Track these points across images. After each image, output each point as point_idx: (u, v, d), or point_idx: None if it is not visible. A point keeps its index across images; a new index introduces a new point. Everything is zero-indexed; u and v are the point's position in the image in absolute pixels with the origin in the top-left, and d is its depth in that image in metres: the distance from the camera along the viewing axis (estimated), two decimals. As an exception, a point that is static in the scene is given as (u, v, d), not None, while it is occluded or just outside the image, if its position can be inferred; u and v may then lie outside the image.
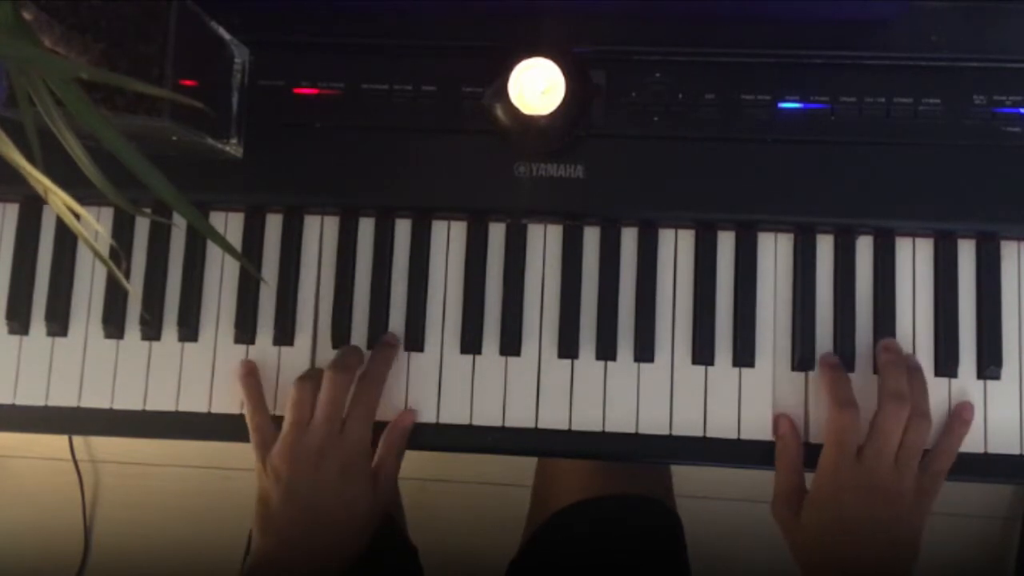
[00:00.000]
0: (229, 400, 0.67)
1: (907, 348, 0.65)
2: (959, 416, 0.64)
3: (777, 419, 0.65)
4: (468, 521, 1.26)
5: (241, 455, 1.34)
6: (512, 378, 0.67)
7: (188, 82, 0.58)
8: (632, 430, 0.66)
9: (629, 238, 0.67)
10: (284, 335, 0.67)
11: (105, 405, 0.68)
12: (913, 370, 0.64)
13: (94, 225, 0.52)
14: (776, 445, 0.64)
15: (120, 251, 0.68)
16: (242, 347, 0.68)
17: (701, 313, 0.66)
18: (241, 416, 0.66)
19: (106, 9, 0.55)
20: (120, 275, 0.51)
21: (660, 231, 0.67)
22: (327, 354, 0.67)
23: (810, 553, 0.62)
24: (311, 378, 0.65)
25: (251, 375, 0.66)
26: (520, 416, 0.66)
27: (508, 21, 0.65)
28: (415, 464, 1.21)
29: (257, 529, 0.64)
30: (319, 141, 0.67)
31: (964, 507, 1.32)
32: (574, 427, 0.66)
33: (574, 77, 0.60)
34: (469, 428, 0.66)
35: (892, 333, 0.65)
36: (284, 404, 0.66)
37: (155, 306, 0.68)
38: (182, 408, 0.67)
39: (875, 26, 0.65)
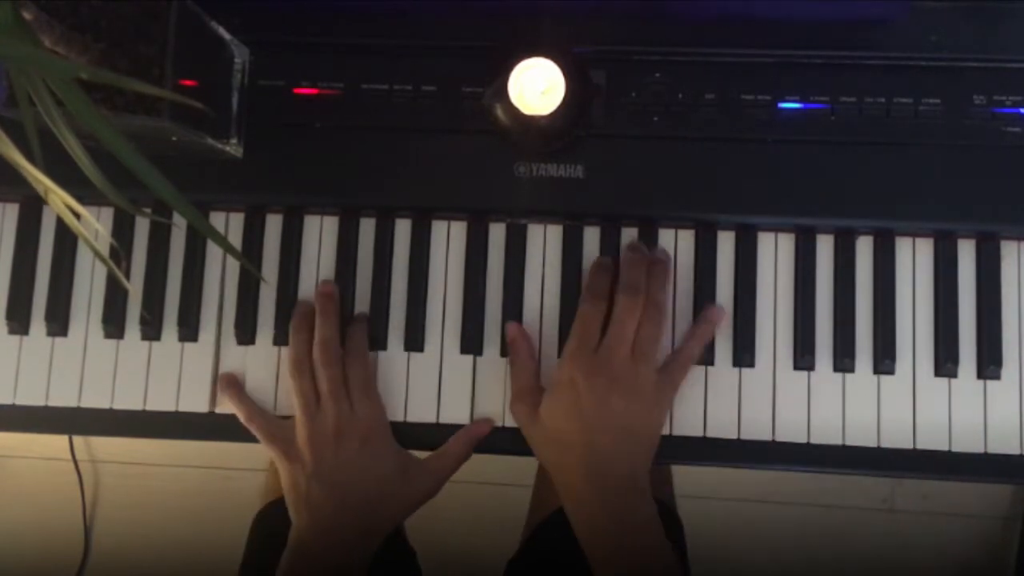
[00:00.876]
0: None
1: (907, 348, 0.65)
2: (706, 316, 0.65)
3: (508, 327, 0.66)
4: (468, 521, 1.27)
5: (241, 455, 1.34)
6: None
7: (188, 82, 0.58)
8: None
9: (629, 238, 0.67)
10: (284, 335, 0.67)
11: (105, 405, 0.68)
12: (655, 262, 0.65)
13: (94, 225, 0.52)
14: (510, 350, 0.65)
15: (120, 251, 0.68)
16: (242, 347, 0.68)
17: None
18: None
19: (106, 9, 0.55)
20: (120, 275, 0.51)
21: (660, 231, 0.67)
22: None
23: (548, 445, 0.63)
24: (305, 364, 0.65)
25: (231, 386, 0.67)
26: (520, 416, 0.66)
27: (508, 21, 0.65)
28: (415, 464, 1.21)
29: (292, 512, 0.65)
30: (319, 141, 0.67)
31: (964, 507, 1.32)
32: (574, 427, 0.66)
33: (574, 77, 0.60)
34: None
35: (892, 333, 0.65)
36: (285, 404, 0.67)
37: (155, 306, 0.68)
38: (182, 408, 0.67)
39: (875, 26, 0.65)
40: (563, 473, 0.62)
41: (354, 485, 0.63)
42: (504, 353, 0.67)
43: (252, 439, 0.66)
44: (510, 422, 0.66)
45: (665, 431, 0.65)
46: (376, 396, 0.65)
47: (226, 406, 0.67)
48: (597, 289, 0.64)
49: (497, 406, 0.66)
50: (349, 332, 0.67)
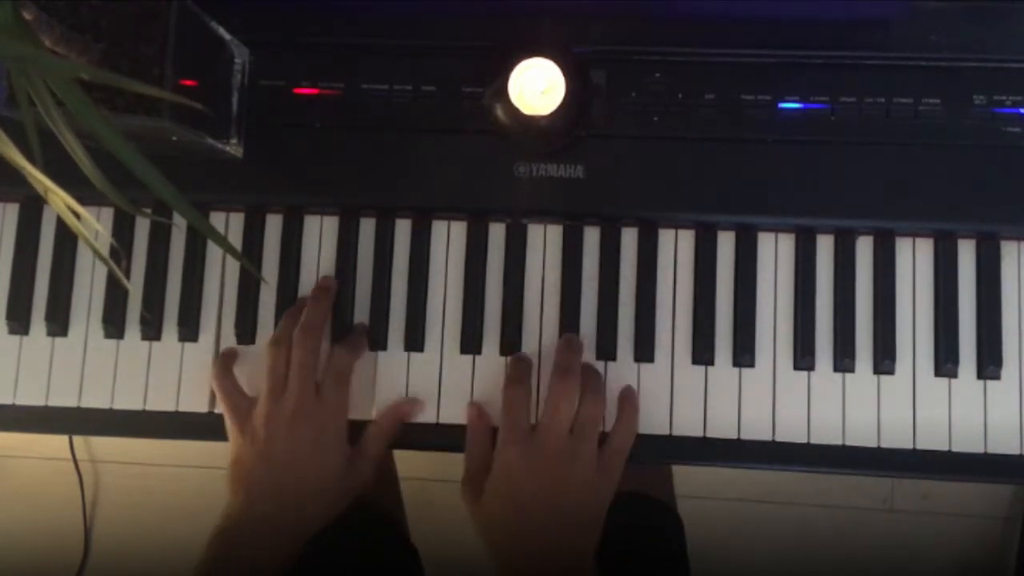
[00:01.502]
0: (229, 400, 0.67)
1: (907, 348, 0.65)
2: (626, 397, 0.65)
3: (468, 407, 0.65)
4: (468, 521, 1.26)
5: (241, 455, 1.33)
6: (512, 378, 0.67)
7: (188, 82, 0.58)
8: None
9: (629, 238, 0.68)
10: (284, 335, 0.67)
11: (105, 405, 0.68)
12: (588, 365, 0.65)
13: (94, 225, 0.52)
14: (467, 431, 0.65)
15: (120, 251, 0.68)
16: (242, 347, 0.68)
17: (701, 313, 0.66)
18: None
19: (106, 9, 0.55)
20: (120, 274, 0.51)
21: (660, 231, 0.67)
22: (325, 352, 0.67)
23: (490, 532, 0.62)
24: (284, 342, 0.64)
25: (227, 356, 0.67)
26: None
27: (508, 21, 0.65)
28: (415, 464, 1.22)
29: (229, 489, 0.64)
30: (319, 141, 0.67)
31: (964, 507, 1.32)
32: (574, 427, 0.66)
33: (574, 77, 0.60)
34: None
35: (892, 333, 0.65)
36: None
37: (155, 306, 0.68)
38: (182, 408, 0.68)
39: (875, 26, 0.65)
40: (501, 557, 0.62)
41: (298, 474, 0.63)
42: (504, 352, 0.67)
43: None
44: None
45: (665, 431, 0.65)
46: (345, 391, 0.65)
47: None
48: (518, 374, 0.65)
49: (497, 406, 0.66)
50: (352, 329, 0.67)
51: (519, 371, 0.65)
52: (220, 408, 0.66)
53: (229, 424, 0.65)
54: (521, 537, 0.61)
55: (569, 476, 0.61)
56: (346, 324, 0.67)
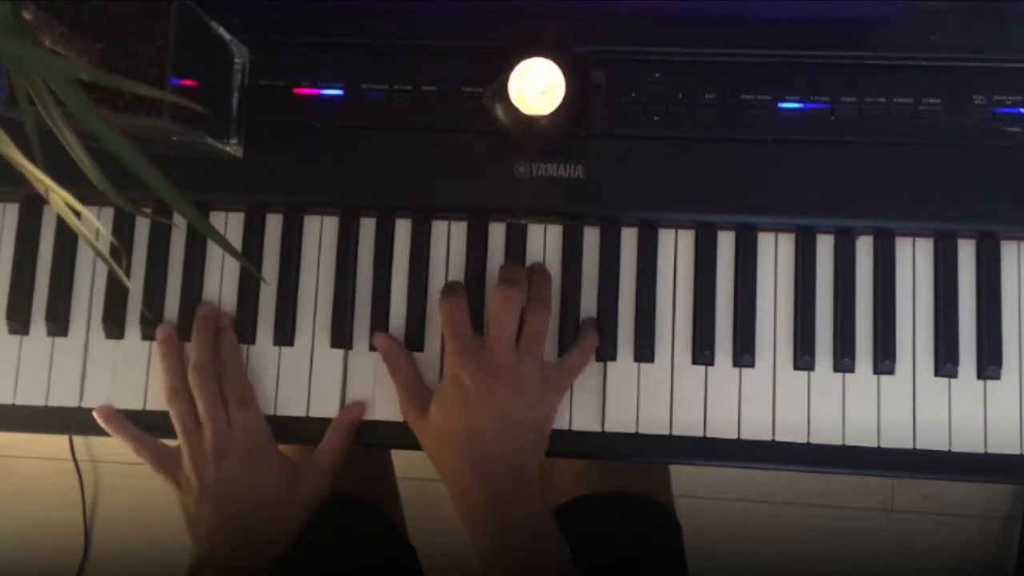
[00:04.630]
0: (229, 400, 0.67)
1: (907, 348, 0.65)
2: (588, 329, 0.66)
3: (374, 338, 0.66)
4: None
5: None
6: (512, 378, 0.67)
7: (188, 82, 0.58)
8: (632, 430, 0.66)
9: (629, 238, 0.68)
10: (284, 335, 0.67)
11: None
12: (538, 267, 0.66)
13: (94, 224, 0.52)
14: (385, 361, 0.66)
15: (120, 251, 0.68)
16: (242, 347, 0.68)
17: (701, 313, 0.66)
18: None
19: (106, 9, 0.55)
20: (120, 272, 0.51)
21: (660, 231, 0.67)
22: (327, 354, 0.67)
23: (436, 442, 0.63)
24: (176, 391, 0.65)
25: (110, 419, 0.66)
26: (520, 416, 0.66)
27: (508, 21, 0.65)
28: (415, 464, 1.21)
29: (191, 538, 0.66)
30: (319, 141, 0.67)
31: (964, 507, 1.32)
32: (574, 427, 0.66)
33: (574, 77, 0.60)
34: (469, 428, 0.66)
35: (892, 333, 0.65)
36: (285, 404, 0.67)
37: (155, 306, 0.68)
38: (182, 408, 0.67)
39: (875, 26, 0.65)
40: (449, 469, 0.62)
41: (240, 502, 0.64)
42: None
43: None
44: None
45: (665, 431, 0.65)
46: (254, 407, 0.65)
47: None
48: (451, 287, 0.66)
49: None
50: (220, 345, 0.67)
51: (451, 287, 0.66)
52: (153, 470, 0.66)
53: (165, 482, 0.66)
54: (468, 442, 0.61)
55: (514, 386, 0.61)
56: (346, 325, 0.67)
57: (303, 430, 0.66)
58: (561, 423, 0.66)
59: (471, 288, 0.67)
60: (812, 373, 0.66)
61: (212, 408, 0.64)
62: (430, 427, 0.63)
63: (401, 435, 0.66)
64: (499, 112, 0.63)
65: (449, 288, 0.65)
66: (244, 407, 0.65)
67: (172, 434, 0.67)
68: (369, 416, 0.67)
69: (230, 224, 0.69)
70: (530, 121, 0.61)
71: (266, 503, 0.65)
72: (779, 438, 0.65)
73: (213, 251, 0.69)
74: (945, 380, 0.65)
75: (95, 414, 0.66)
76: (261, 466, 0.65)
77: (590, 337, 0.65)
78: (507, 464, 0.61)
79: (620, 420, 0.66)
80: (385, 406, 0.67)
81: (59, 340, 0.68)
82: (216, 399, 0.64)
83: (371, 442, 0.67)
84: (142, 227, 0.69)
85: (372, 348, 0.67)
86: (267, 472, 0.65)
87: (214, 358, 0.66)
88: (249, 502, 0.64)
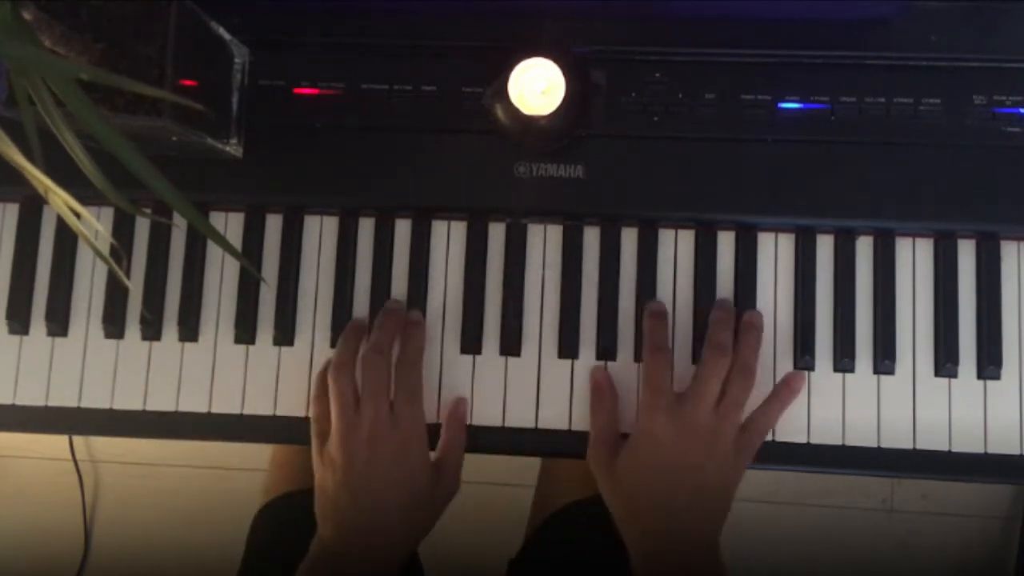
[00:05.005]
0: (229, 400, 0.67)
1: (907, 348, 0.65)
2: (788, 383, 0.64)
3: (593, 372, 0.65)
4: (469, 520, 1.26)
5: (241, 455, 1.34)
6: (512, 378, 0.67)
7: (188, 82, 0.58)
8: (632, 430, 0.66)
9: (629, 238, 0.68)
10: (284, 335, 0.67)
11: (105, 405, 0.68)
12: (748, 327, 0.64)
13: (94, 224, 0.52)
14: (592, 396, 0.65)
15: (120, 251, 0.68)
16: (242, 347, 0.68)
17: (701, 313, 0.66)
18: (239, 416, 0.67)
19: (106, 9, 0.55)
20: (121, 273, 0.51)
21: (660, 231, 0.67)
22: (327, 354, 0.67)
23: (623, 495, 0.62)
24: (348, 365, 0.64)
25: (323, 374, 0.65)
26: (520, 416, 0.66)
27: (508, 21, 0.65)
28: (415, 464, 1.21)
29: (319, 518, 0.64)
30: (319, 141, 0.67)
31: (964, 507, 1.32)
32: (574, 427, 0.66)
33: (574, 77, 0.60)
34: (469, 428, 0.66)
35: (892, 333, 0.65)
36: (285, 404, 0.67)
37: (155, 306, 0.68)
38: (182, 408, 0.67)
39: (875, 26, 0.65)
40: (635, 525, 0.61)
41: (386, 495, 0.62)
42: (504, 352, 0.67)
43: (251, 439, 0.66)
44: (513, 422, 0.66)
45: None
46: (419, 405, 0.64)
47: (230, 400, 0.67)
48: (658, 340, 0.64)
49: (497, 406, 0.66)
50: (405, 337, 0.66)
51: (659, 336, 0.64)
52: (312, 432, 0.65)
53: (313, 450, 0.65)
54: (654, 501, 0.60)
55: (711, 451, 0.61)
56: (346, 324, 0.67)
57: (304, 430, 0.66)
58: (563, 424, 0.66)
59: (472, 288, 0.67)
60: (812, 373, 0.66)
61: (376, 392, 0.62)
62: (617, 477, 0.62)
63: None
64: (499, 112, 0.63)
65: (658, 344, 0.64)
66: (411, 402, 0.63)
67: (169, 434, 0.68)
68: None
69: (230, 224, 0.69)
70: (530, 121, 0.61)
71: (411, 500, 0.63)
72: (779, 438, 0.65)
73: (213, 251, 0.69)
74: (945, 380, 0.65)
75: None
76: (413, 462, 0.63)
77: (782, 397, 0.64)
78: (698, 535, 0.60)
79: (621, 420, 0.66)
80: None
81: (59, 340, 0.69)
82: (382, 385, 0.63)
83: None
84: (142, 227, 0.69)
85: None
86: (417, 469, 0.63)
87: (391, 347, 0.65)
88: (395, 496, 0.62)
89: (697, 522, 0.61)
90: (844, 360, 0.65)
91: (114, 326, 0.68)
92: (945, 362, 0.65)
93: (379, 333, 0.65)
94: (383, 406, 0.62)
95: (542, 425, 0.66)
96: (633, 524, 0.62)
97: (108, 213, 0.69)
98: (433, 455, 0.65)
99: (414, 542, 0.65)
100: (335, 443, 0.62)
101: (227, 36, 0.64)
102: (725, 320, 0.64)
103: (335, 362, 0.64)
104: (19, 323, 0.68)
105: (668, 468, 0.60)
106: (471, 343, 0.67)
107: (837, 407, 0.65)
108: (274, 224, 0.69)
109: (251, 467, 1.32)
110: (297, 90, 0.67)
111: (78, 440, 1.37)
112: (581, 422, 0.66)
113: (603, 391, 0.65)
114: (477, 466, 0.66)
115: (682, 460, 0.60)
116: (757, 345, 0.64)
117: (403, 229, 0.68)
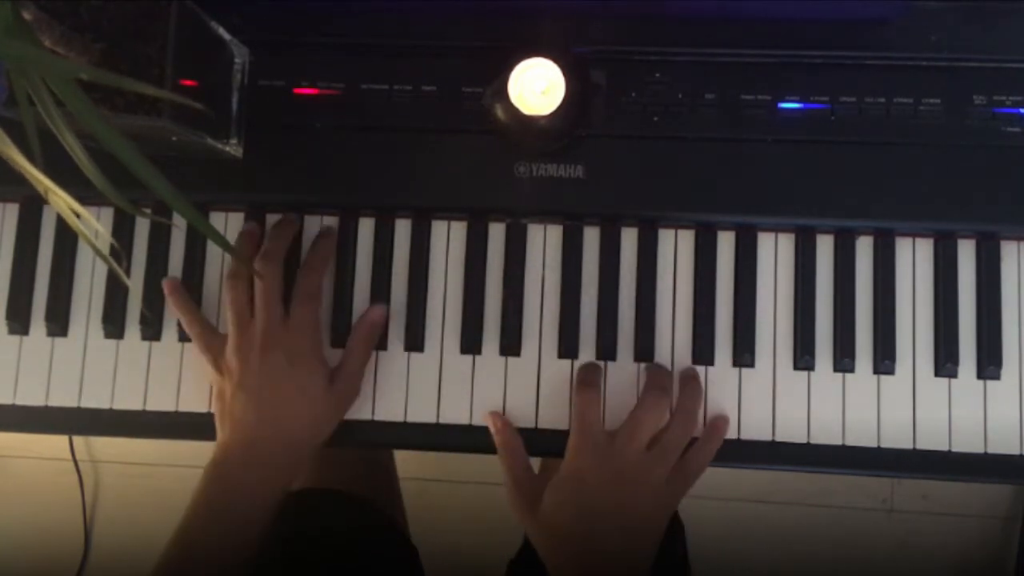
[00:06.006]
0: (229, 400, 0.67)
1: (907, 348, 0.65)
2: (714, 426, 0.64)
3: (488, 417, 0.65)
4: (468, 521, 1.26)
5: (241, 455, 1.33)
6: (512, 378, 0.67)
7: (188, 82, 0.58)
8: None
9: (629, 238, 0.68)
10: (284, 335, 0.67)
11: (105, 405, 0.68)
12: (688, 378, 0.65)
13: (94, 225, 0.52)
14: (496, 441, 0.64)
15: (120, 251, 0.68)
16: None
17: (701, 313, 0.66)
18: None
19: (106, 9, 0.55)
20: (121, 272, 0.51)
21: (660, 231, 0.67)
22: (327, 354, 0.67)
23: (549, 539, 0.61)
24: (241, 274, 0.65)
25: (176, 291, 0.66)
26: (520, 416, 0.66)
27: (508, 21, 0.65)
28: (415, 464, 1.21)
29: (217, 426, 0.64)
30: (319, 141, 0.67)
31: (964, 507, 1.32)
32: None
33: (574, 77, 0.60)
34: (469, 428, 0.66)
35: (892, 333, 0.65)
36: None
37: (155, 306, 0.68)
38: (182, 408, 0.68)
39: (875, 26, 0.65)
40: (564, 566, 0.61)
41: (278, 396, 0.62)
42: (504, 352, 0.67)
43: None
44: (513, 423, 0.66)
45: (665, 431, 0.65)
46: (316, 304, 0.64)
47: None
48: (587, 376, 0.64)
49: (497, 406, 0.66)
50: (315, 242, 0.67)
51: (590, 374, 0.64)
52: (194, 346, 0.66)
53: (208, 363, 0.65)
54: (583, 546, 0.60)
55: (640, 491, 0.60)
56: (345, 324, 0.67)
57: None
58: (562, 424, 0.66)
59: (472, 288, 0.67)
60: (812, 373, 0.66)
61: (269, 297, 0.63)
62: (541, 520, 0.61)
63: (402, 435, 0.67)
64: (499, 112, 0.63)
65: (587, 380, 0.64)
66: (306, 301, 0.64)
67: (170, 434, 0.68)
68: (370, 416, 0.67)
69: (230, 224, 0.69)
70: (530, 121, 0.61)
71: (307, 401, 0.63)
72: (779, 438, 0.65)
73: (213, 251, 0.69)
74: (945, 380, 0.65)
75: (164, 284, 0.66)
76: (307, 364, 0.63)
77: (718, 435, 0.64)
78: (625, 569, 0.60)
79: (620, 420, 0.66)
80: (386, 406, 0.67)
81: (59, 340, 0.69)
82: (276, 291, 0.63)
83: (372, 442, 0.67)
84: (142, 227, 0.69)
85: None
86: (312, 370, 0.63)
87: (283, 253, 0.65)
88: (289, 398, 0.62)
89: (627, 560, 0.60)
90: (844, 360, 0.65)
91: (114, 326, 0.68)
92: (945, 362, 0.65)
93: (271, 243, 0.65)
94: (275, 311, 0.63)
95: (542, 425, 0.66)
96: (561, 564, 0.61)
97: (108, 213, 0.69)
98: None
99: (311, 442, 0.65)
100: (230, 349, 0.63)
101: (227, 36, 0.64)
102: (664, 370, 0.65)
103: (229, 273, 0.65)
104: (19, 323, 0.68)
105: (593, 509, 0.60)
106: (471, 343, 0.67)
107: (837, 407, 0.65)
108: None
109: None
110: (297, 90, 0.67)
111: (78, 440, 1.37)
112: (581, 422, 0.66)
113: (507, 435, 0.64)
114: (477, 466, 0.66)
115: (608, 500, 0.60)
116: (699, 396, 0.64)
117: (403, 229, 0.68)
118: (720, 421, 0.65)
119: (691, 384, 0.64)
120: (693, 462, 0.63)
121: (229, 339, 0.63)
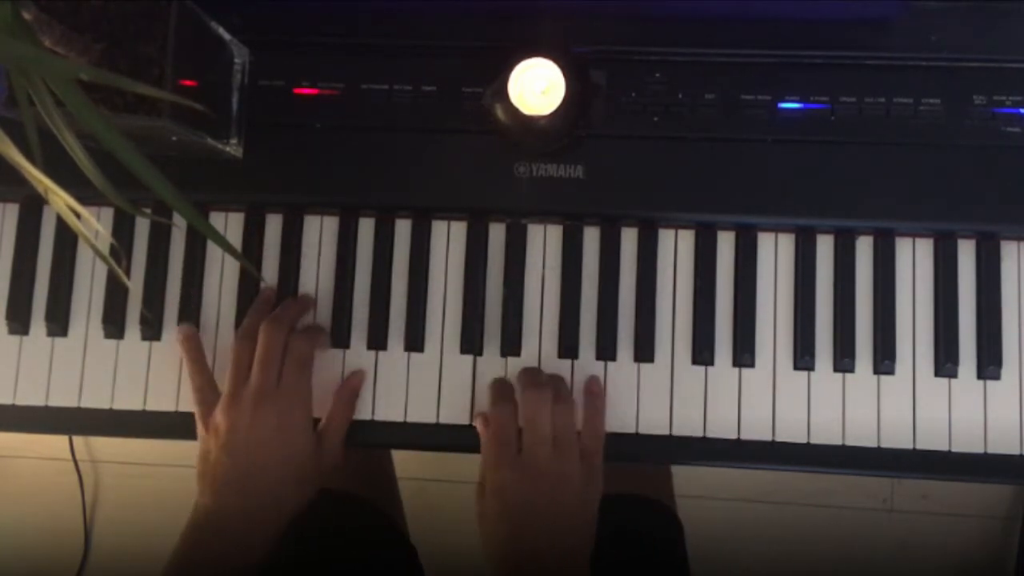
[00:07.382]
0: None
1: (907, 348, 0.65)
2: (588, 391, 0.65)
3: (477, 419, 0.65)
4: (468, 521, 1.26)
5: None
6: (513, 378, 0.67)
7: (188, 82, 0.58)
8: (632, 430, 0.66)
9: (629, 238, 0.68)
10: (284, 335, 0.67)
11: (105, 405, 0.68)
12: (533, 371, 0.66)
13: (94, 225, 0.52)
14: (482, 441, 0.65)
15: (120, 251, 0.68)
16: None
17: (701, 313, 0.66)
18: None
19: (106, 9, 0.55)
20: (121, 272, 0.51)
21: (660, 231, 0.67)
22: (327, 354, 0.67)
23: (487, 544, 0.62)
24: (250, 336, 0.65)
25: (190, 340, 0.67)
26: (520, 416, 0.66)
27: (508, 21, 0.65)
28: (415, 464, 1.22)
29: (198, 487, 0.64)
30: (319, 141, 0.67)
31: (964, 507, 1.32)
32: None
33: (574, 77, 0.60)
34: (469, 428, 0.66)
35: (892, 333, 0.65)
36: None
37: (155, 306, 0.68)
38: (182, 408, 0.68)
39: (875, 26, 0.65)
40: (499, 564, 0.62)
41: (263, 460, 0.63)
42: (504, 352, 0.67)
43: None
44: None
45: (665, 431, 0.65)
46: (308, 375, 0.65)
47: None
48: (500, 392, 0.65)
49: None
50: (312, 324, 0.67)
51: (502, 390, 0.65)
52: (191, 401, 0.66)
53: (197, 417, 0.65)
54: (514, 547, 0.61)
55: (558, 487, 0.61)
56: (346, 324, 0.67)
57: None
58: (561, 423, 0.66)
59: (472, 288, 0.67)
60: (812, 373, 0.66)
61: (268, 358, 0.64)
62: (483, 524, 0.62)
63: (401, 435, 0.67)
64: (499, 112, 0.63)
65: (502, 394, 0.65)
66: (299, 370, 0.65)
67: (170, 434, 0.68)
68: (370, 416, 0.67)
69: (230, 224, 0.69)
70: (530, 121, 0.61)
71: (290, 470, 0.64)
72: (779, 438, 0.65)
73: (213, 251, 0.69)
74: (945, 380, 0.65)
75: (178, 330, 0.67)
76: (295, 431, 0.64)
77: (594, 404, 0.65)
78: (563, 567, 0.61)
79: (620, 421, 0.66)
80: (386, 406, 0.67)
81: (59, 340, 0.69)
82: (276, 353, 0.64)
83: (372, 442, 0.67)
84: (142, 227, 0.69)
85: (370, 347, 0.67)
86: (298, 439, 0.64)
87: (293, 324, 0.66)
88: (272, 463, 0.63)
89: (561, 559, 0.61)
90: (844, 360, 0.65)
91: (114, 326, 0.68)
92: (945, 362, 0.65)
93: (282, 309, 0.66)
94: (271, 374, 0.64)
95: (542, 425, 0.66)
96: (495, 564, 0.62)
97: (108, 213, 0.69)
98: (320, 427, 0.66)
99: (291, 509, 0.65)
100: (221, 407, 0.63)
101: (227, 36, 0.64)
102: (531, 369, 0.66)
103: (241, 330, 0.66)
104: (19, 323, 0.68)
105: (516, 514, 0.61)
106: (471, 343, 0.67)
107: (837, 407, 0.65)
108: (274, 224, 0.69)
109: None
110: (297, 90, 0.67)
111: (78, 440, 1.37)
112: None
113: (483, 435, 0.65)
114: (476, 467, 0.66)
115: (529, 504, 0.61)
116: (561, 376, 0.66)
117: (403, 229, 0.68)
118: (590, 382, 0.66)
119: (529, 374, 0.65)
120: (589, 437, 0.64)
121: (223, 396, 0.64)
